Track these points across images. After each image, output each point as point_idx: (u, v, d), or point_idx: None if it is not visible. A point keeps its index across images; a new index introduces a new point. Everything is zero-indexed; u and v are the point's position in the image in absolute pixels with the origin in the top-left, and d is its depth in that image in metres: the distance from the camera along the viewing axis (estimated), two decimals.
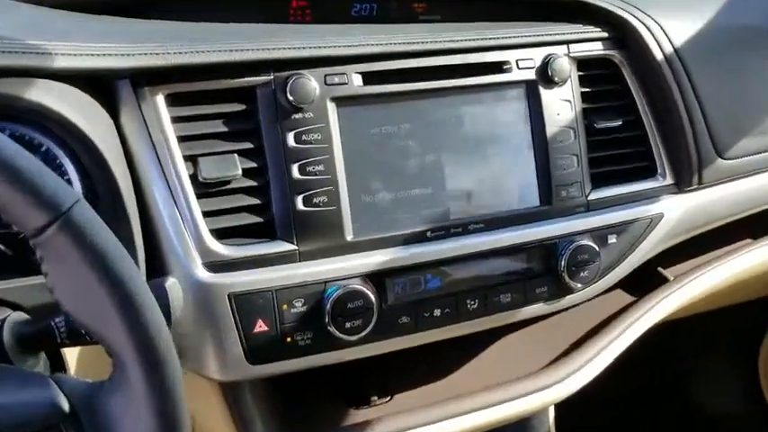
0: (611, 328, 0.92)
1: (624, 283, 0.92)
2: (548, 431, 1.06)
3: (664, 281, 0.98)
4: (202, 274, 0.67)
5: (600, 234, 0.83)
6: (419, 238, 0.76)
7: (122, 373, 0.45)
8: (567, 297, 0.84)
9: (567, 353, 0.90)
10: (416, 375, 0.89)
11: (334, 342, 0.73)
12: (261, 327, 0.70)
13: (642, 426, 1.55)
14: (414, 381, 0.88)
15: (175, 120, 0.68)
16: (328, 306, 0.71)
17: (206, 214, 0.68)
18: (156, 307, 0.45)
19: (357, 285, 0.72)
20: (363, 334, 0.73)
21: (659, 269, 0.99)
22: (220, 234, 0.69)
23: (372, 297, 0.72)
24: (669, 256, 0.96)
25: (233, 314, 0.68)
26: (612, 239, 0.84)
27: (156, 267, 0.68)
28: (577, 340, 0.92)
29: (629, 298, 0.97)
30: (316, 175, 0.71)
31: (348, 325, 0.72)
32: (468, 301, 0.78)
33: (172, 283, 0.62)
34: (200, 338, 0.69)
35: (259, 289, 0.69)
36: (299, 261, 0.71)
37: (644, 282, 0.97)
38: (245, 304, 0.69)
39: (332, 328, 0.72)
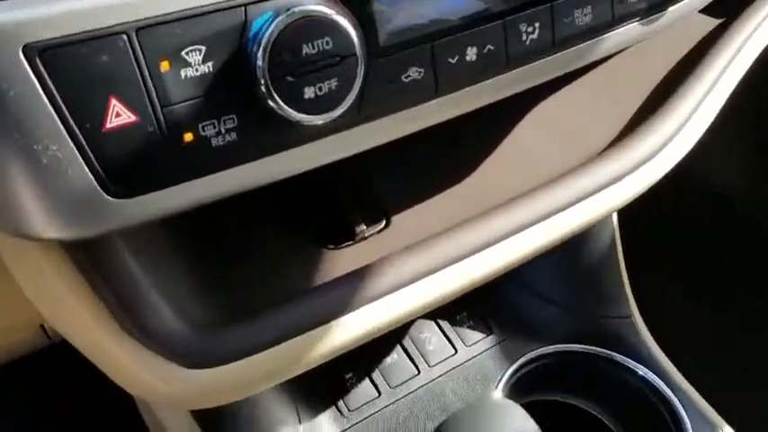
0: (706, 65, 0.58)
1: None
2: (610, 247, 0.75)
3: None
4: None
5: None
6: None
7: None
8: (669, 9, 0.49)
9: (645, 113, 0.57)
10: (421, 182, 0.54)
11: (279, 133, 0.36)
12: (120, 115, 0.32)
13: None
14: (418, 193, 0.54)
15: None
16: (259, 56, 0.33)
17: None
18: None
19: (316, 6, 0.34)
20: (337, 111, 0.37)
21: None
22: None
23: (351, 31, 0.35)
24: None
25: (49, 91, 0.30)
26: None
27: None
28: (655, 90, 0.58)
29: (712, 21, 0.63)
30: None
31: (307, 94, 0.35)
32: (522, 27, 0.41)
33: None
34: None
35: (98, 31, 0.30)
36: None
37: None
38: (73, 67, 0.30)
39: (274, 104, 0.35)
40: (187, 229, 0.50)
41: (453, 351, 0.75)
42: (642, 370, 0.73)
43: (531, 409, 0.77)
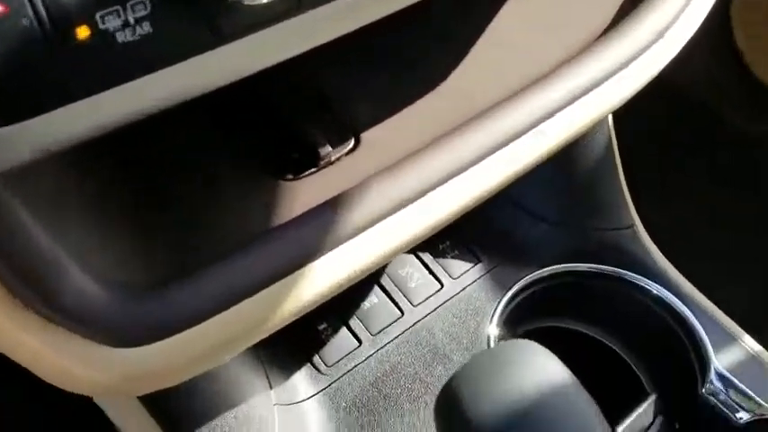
0: None
1: None
2: (606, 152, 0.66)
3: None
4: None
5: None
6: None
7: None
8: None
9: None
10: (393, 93, 0.45)
11: (207, 21, 0.27)
12: None
13: None
14: (390, 104, 0.45)
15: None
16: None
17: None
18: None
19: None
20: None
21: None
22: None
23: None
24: None
25: None
26: None
27: None
28: None
29: None
30: None
31: None
32: None
33: None
34: None
35: None
36: None
37: None
38: None
39: None
40: (99, 166, 0.38)
41: (439, 286, 0.66)
42: (648, 283, 0.66)
43: (532, 337, 0.69)
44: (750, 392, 0.60)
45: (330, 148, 0.41)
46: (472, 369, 0.38)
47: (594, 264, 0.67)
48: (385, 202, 0.41)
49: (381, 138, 0.45)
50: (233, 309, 0.35)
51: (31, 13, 0.24)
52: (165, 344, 0.34)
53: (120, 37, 0.26)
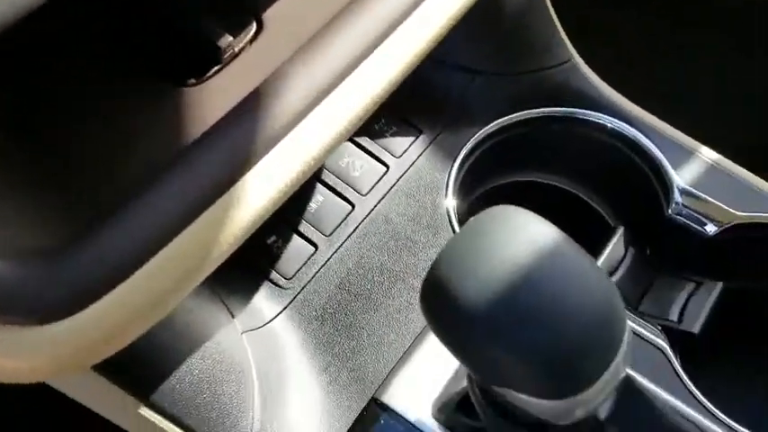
0: None
1: None
2: None
3: None
4: None
5: None
6: None
7: None
8: None
9: None
10: None
11: None
12: None
13: None
14: None
15: None
16: None
17: None
18: None
19: None
20: None
21: None
22: None
23: None
24: None
25: None
26: None
27: None
28: None
29: None
30: None
31: None
32: None
33: None
34: None
35: None
36: None
37: None
38: None
39: None
40: None
41: (384, 169, 0.61)
42: (599, 117, 0.63)
43: (491, 199, 0.66)
44: (715, 201, 0.60)
45: (231, 38, 0.34)
46: (453, 250, 0.34)
47: (542, 107, 0.63)
48: (311, 90, 0.35)
49: (286, 15, 0.38)
50: (163, 252, 0.29)
51: None
52: (94, 309, 0.29)
53: None
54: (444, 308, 0.35)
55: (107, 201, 0.31)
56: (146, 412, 0.43)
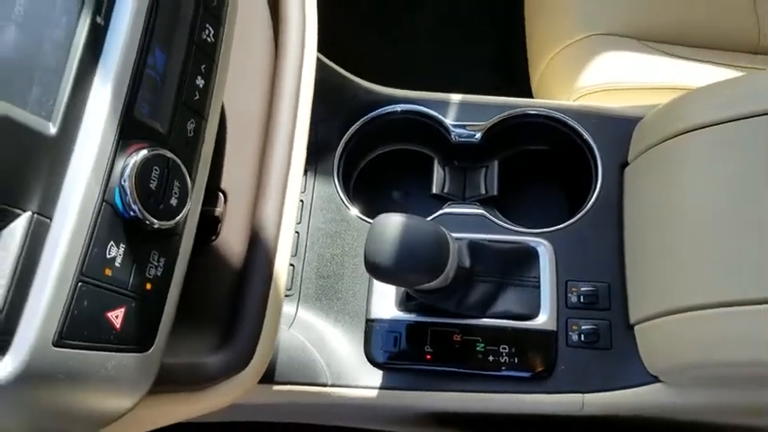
0: None
1: None
2: None
3: None
4: None
5: None
6: None
7: None
8: None
9: None
10: None
11: None
12: None
13: None
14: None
15: None
16: None
17: None
18: None
19: None
20: None
21: None
22: None
23: None
24: None
25: None
26: None
27: None
28: None
29: None
30: None
31: None
32: None
33: None
34: None
35: None
36: None
37: None
38: None
39: None
40: None
41: (300, 202, 1.02)
42: (393, 107, 1.04)
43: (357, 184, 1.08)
44: (473, 123, 1.03)
45: (217, 208, 0.67)
46: (368, 242, 0.75)
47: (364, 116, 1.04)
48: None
49: (235, 177, 0.71)
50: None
51: None
52: (247, 369, 0.69)
53: None
54: (374, 269, 0.77)
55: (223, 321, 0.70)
56: (276, 387, 0.86)
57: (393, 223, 0.75)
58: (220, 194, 0.69)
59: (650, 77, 1.11)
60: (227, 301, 0.64)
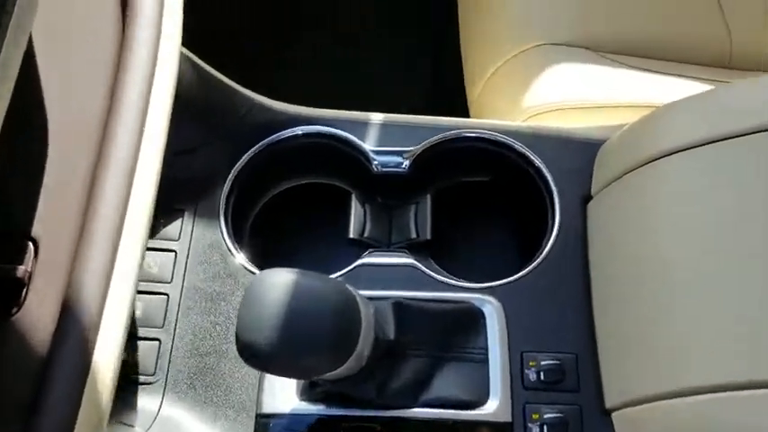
0: None
1: None
2: None
3: None
4: None
5: None
6: None
7: None
8: None
9: None
10: None
11: None
12: None
13: None
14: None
15: None
16: None
17: None
18: None
19: None
20: None
21: None
22: None
23: None
24: None
25: None
26: None
27: None
28: None
29: None
30: None
31: None
32: None
33: None
34: None
35: None
36: None
37: None
38: None
39: None
40: None
41: (173, 254, 0.77)
42: (292, 130, 0.82)
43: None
44: (400, 148, 0.82)
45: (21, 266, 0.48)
46: (241, 316, 0.53)
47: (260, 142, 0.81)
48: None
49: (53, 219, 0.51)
50: None
51: None
52: None
53: None
54: (248, 354, 0.54)
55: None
56: None
57: (277, 284, 0.54)
58: (29, 244, 0.50)
59: (611, 94, 0.95)
60: (26, 400, 0.47)
